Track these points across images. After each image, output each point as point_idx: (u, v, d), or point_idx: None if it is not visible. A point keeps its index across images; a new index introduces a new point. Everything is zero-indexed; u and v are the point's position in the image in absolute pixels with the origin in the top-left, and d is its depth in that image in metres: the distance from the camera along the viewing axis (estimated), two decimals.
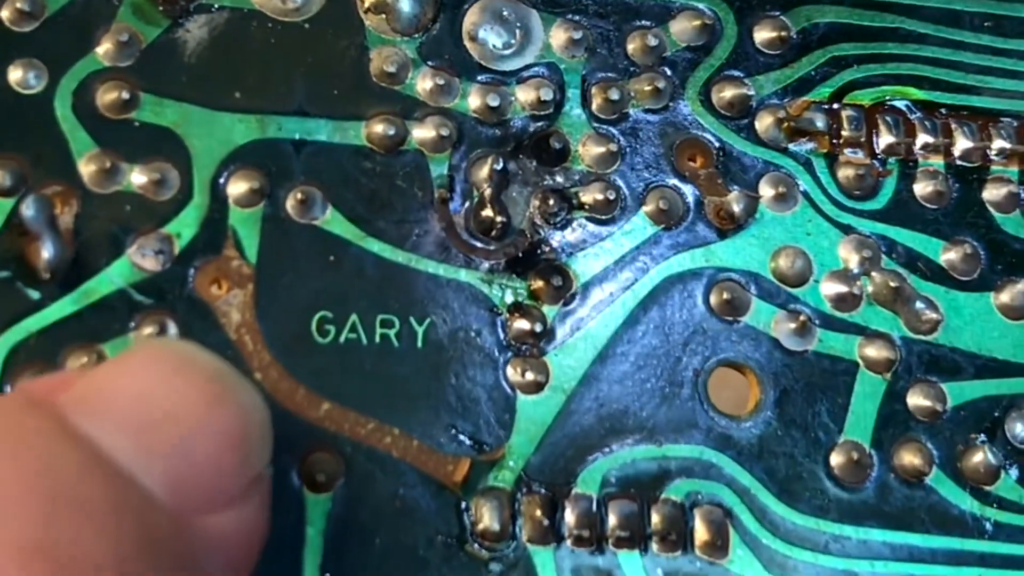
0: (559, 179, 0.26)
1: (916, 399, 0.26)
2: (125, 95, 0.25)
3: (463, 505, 0.24)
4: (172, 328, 0.24)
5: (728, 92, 0.27)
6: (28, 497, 0.16)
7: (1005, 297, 0.27)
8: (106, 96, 0.25)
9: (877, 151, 0.27)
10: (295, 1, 0.26)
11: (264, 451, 0.20)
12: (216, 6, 0.26)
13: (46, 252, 0.23)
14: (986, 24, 0.28)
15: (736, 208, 0.26)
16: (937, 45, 0.28)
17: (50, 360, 0.23)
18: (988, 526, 0.26)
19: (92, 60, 0.25)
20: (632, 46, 0.27)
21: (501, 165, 0.26)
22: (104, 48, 0.25)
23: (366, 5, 0.26)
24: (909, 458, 0.26)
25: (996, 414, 0.26)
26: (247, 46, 0.26)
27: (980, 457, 0.26)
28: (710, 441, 0.25)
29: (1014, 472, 0.26)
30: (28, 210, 0.23)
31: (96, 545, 0.16)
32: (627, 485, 0.25)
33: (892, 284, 0.26)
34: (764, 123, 0.27)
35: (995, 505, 0.26)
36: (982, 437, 0.26)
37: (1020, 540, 0.26)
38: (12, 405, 0.18)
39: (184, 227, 0.24)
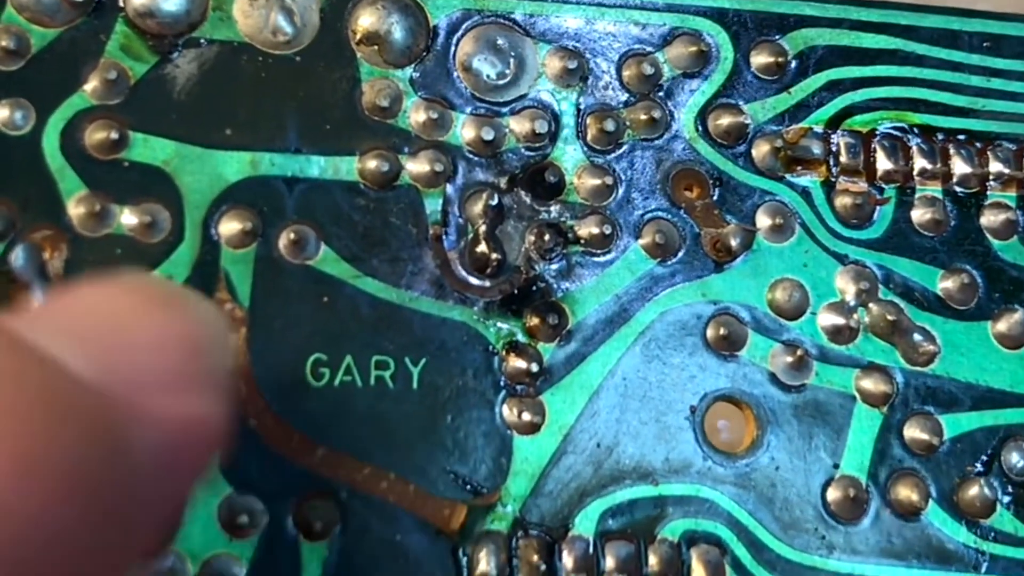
0: (554, 213, 0.25)
1: (913, 432, 0.25)
2: (114, 135, 0.23)
3: (460, 551, 0.23)
4: None
5: (724, 120, 0.26)
6: None
7: (1002, 326, 0.26)
8: (95, 136, 0.23)
9: (875, 178, 0.26)
10: (286, 34, 0.24)
11: (217, 355, 0.19)
12: (205, 41, 0.24)
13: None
14: (985, 44, 0.27)
15: (733, 242, 0.25)
16: (935, 67, 0.27)
17: None
18: (984, 559, 0.25)
19: (80, 98, 0.23)
20: (627, 73, 0.26)
21: (496, 201, 0.24)
22: (92, 86, 0.23)
23: (358, 36, 0.25)
24: (905, 492, 0.25)
25: (993, 445, 0.25)
26: (238, 81, 0.24)
27: (976, 490, 0.25)
28: (706, 479, 0.24)
29: (1010, 504, 0.25)
30: (17, 259, 0.22)
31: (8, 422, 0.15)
32: (624, 526, 0.24)
33: (889, 317, 0.25)
34: (761, 151, 0.26)
35: (991, 538, 0.25)
36: (979, 469, 0.25)
37: (1016, 573, 0.25)
38: None
39: (176, 270, 0.23)
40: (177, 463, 0.18)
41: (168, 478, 0.18)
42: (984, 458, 0.25)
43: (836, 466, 0.25)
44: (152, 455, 0.17)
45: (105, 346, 0.17)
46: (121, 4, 0.24)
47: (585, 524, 0.24)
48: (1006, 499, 0.25)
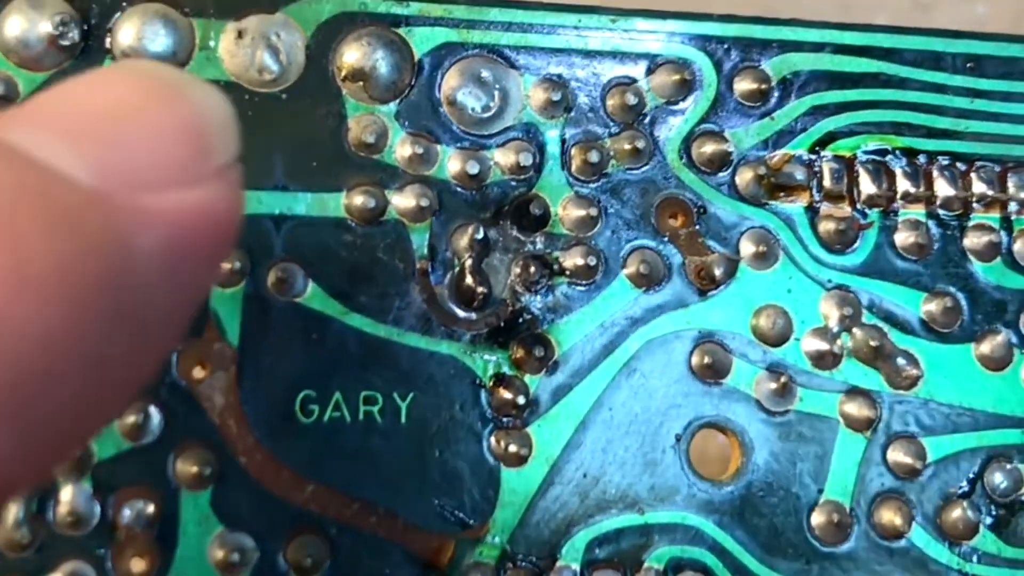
0: (540, 244, 0.25)
1: (896, 455, 0.25)
2: None
3: None
4: (155, 414, 0.23)
5: (708, 148, 0.26)
6: None
7: (985, 348, 0.26)
8: None
9: (858, 203, 0.26)
10: (272, 72, 0.24)
11: (223, 143, 0.18)
12: None
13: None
14: (968, 65, 0.27)
15: (717, 271, 0.25)
16: (918, 89, 0.27)
17: None
18: None
19: None
20: (611, 103, 0.26)
21: (482, 234, 0.24)
22: None
23: (343, 73, 0.25)
24: (889, 516, 0.25)
25: (976, 467, 0.25)
26: None
27: (959, 512, 0.25)
28: (692, 506, 0.24)
29: (993, 525, 0.25)
30: None
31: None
32: (610, 555, 0.24)
33: (872, 343, 0.25)
34: (744, 178, 0.26)
35: (974, 559, 0.25)
36: (962, 490, 0.25)
37: None
38: None
39: None
40: (188, 259, 0.17)
41: (180, 275, 0.17)
42: (967, 480, 0.25)
43: (820, 491, 0.25)
44: (160, 255, 0.16)
45: (102, 144, 0.16)
46: (108, 46, 0.24)
47: (572, 554, 0.24)
48: (989, 520, 0.25)
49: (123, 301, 0.16)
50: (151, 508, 0.23)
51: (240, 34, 0.25)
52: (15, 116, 0.16)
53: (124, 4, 0.24)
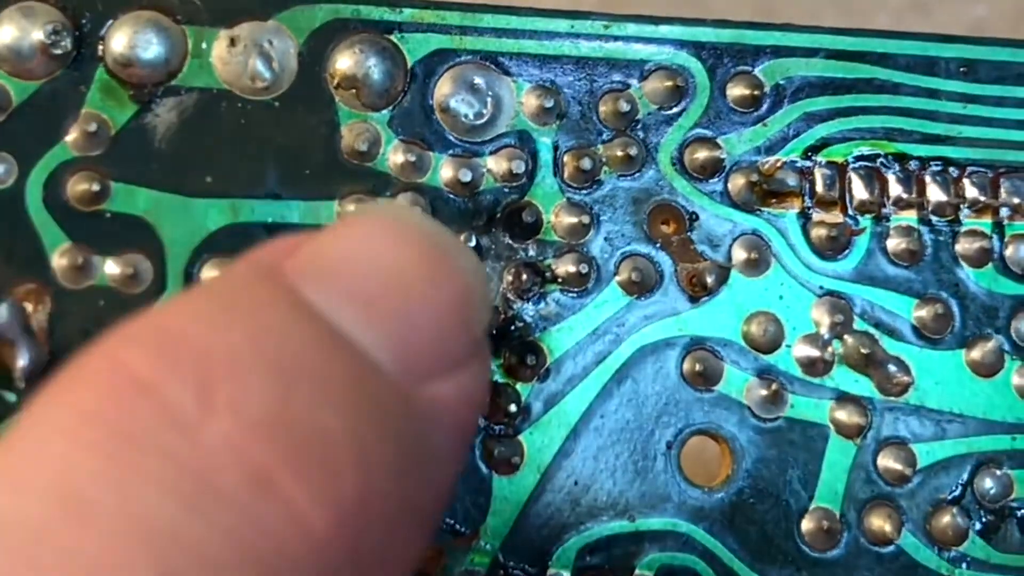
0: (532, 252, 0.25)
1: (886, 462, 0.25)
2: (96, 187, 0.23)
3: None
4: None
5: (701, 154, 0.25)
6: (264, 371, 0.15)
7: (976, 354, 0.26)
8: (77, 187, 0.23)
9: (850, 209, 0.26)
10: (264, 79, 0.24)
11: (484, 315, 0.19)
12: (185, 88, 0.24)
13: (22, 360, 0.22)
14: (961, 69, 0.27)
15: (709, 279, 0.25)
16: (911, 94, 0.27)
17: None
18: None
19: (62, 150, 0.24)
20: (604, 110, 0.25)
21: (474, 242, 0.24)
22: (73, 137, 0.24)
23: (336, 80, 0.24)
24: (879, 523, 0.25)
25: (966, 473, 0.25)
26: (217, 128, 0.24)
27: (949, 519, 0.25)
28: (683, 513, 0.24)
29: (982, 530, 0.25)
30: (1, 316, 0.22)
31: (332, 420, 0.15)
32: (601, 562, 0.24)
33: (863, 350, 0.25)
34: (737, 185, 0.26)
35: (964, 565, 0.25)
36: (952, 496, 0.25)
37: None
38: (243, 276, 0.17)
39: None
40: (456, 441, 0.18)
41: (450, 458, 0.18)
42: (958, 486, 0.25)
43: (810, 498, 0.25)
44: (439, 440, 0.17)
45: (397, 322, 0.17)
46: (100, 54, 0.24)
47: (563, 561, 0.24)
48: (978, 525, 0.25)
49: (419, 486, 0.16)
50: None
51: (232, 41, 0.24)
52: (301, 264, 0.17)
53: (117, 13, 0.24)
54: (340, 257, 0.17)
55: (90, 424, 0.14)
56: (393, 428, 0.16)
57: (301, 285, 0.17)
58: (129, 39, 0.24)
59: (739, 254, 0.26)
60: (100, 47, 0.24)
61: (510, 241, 0.25)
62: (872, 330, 0.26)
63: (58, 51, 0.24)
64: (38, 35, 0.24)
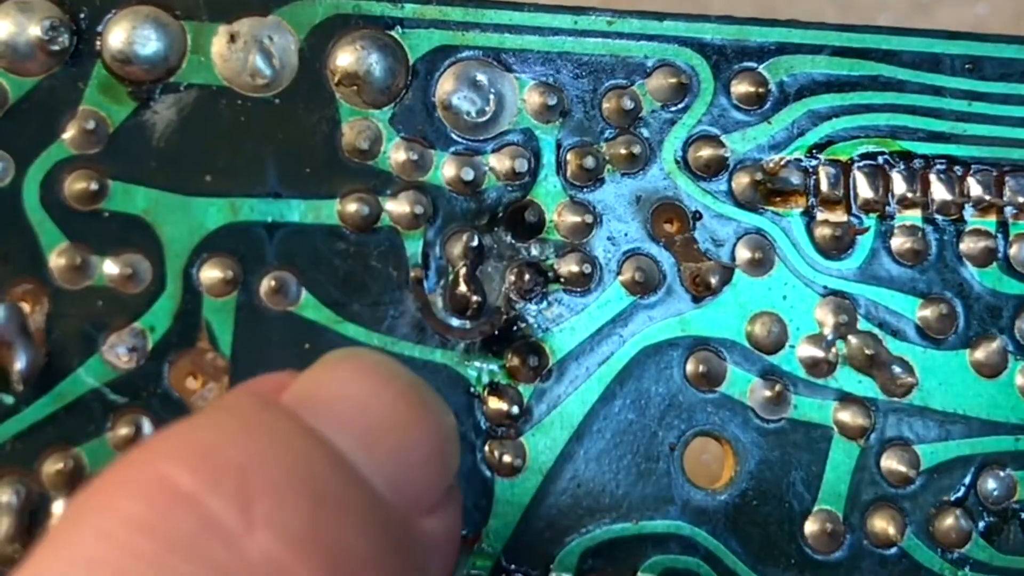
0: (534, 251, 0.24)
1: (890, 463, 0.25)
2: (94, 186, 0.23)
3: None
4: (147, 426, 0.22)
5: (705, 152, 0.25)
6: (297, 489, 0.16)
7: (980, 355, 0.25)
8: (74, 186, 0.23)
9: (854, 208, 0.25)
10: (264, 76, 0.24)
11: (456, 459, 0.20)
12: (184, 85, 0.23)
13: (19, 362, 0.22)
14: (967, 66, 0.26)
15: (712, 279, 0.24)
16: (916, 92, 0.26)
17: (27, 466, 0.22)
18: None
19: (59, 148, 0.23)
20: (607, 107, 0.25)
21: (476, 242, 0.24)
22: (70, 135, 0.23)
23: (337, 77, 0.24)
24: (882, 525, 0.24)
25: (969, 474, 0.25)
26: (216, 126, 0.24)
27: (952, 520, 0.25)
28: (686, 515, 0.24)
29: (985, 532, 0.25)
30: None
31: (358, 541, 0.16)
32: (604, 564, 0.24)
33: (867, 351, 0.25)
34: (741, 183, 0.25)
35: (967, 567, 0.25)
36: (955, 497, 0.25)
37: None
38: (247, 401, 0.18)
39: (158, 320, 0.23)
40: (445, 571, 0.19)
41: None
42: (961, 487, 0.25)
43: (814, 499, 0.24)
44: (433, 570, 0.18)
45: (393, 463, 0.18)
46: (98, 50, 0.23)
47: (565, 564, 0.23)
48: (981, 527, 0.25)
49: None
50: None
51: (232, 37, 0.24)
52: (296, 397, 0.18)
53: (115, 8, 0.23)
54: (332, 394, 0.18)
55: (139, 533, 0.15)
56: (404, 554, 0.17)
57: (303, 414, 0.17)
58: (127, 35, 0.23)
59: (743, 253, 0.25)
60: (98, 43, 0.23)
61: (512, 241, 0.24)
62: (876, 330, 0.25)
63: (55, 47, 0.23)
64: (35, 31, 0.23)
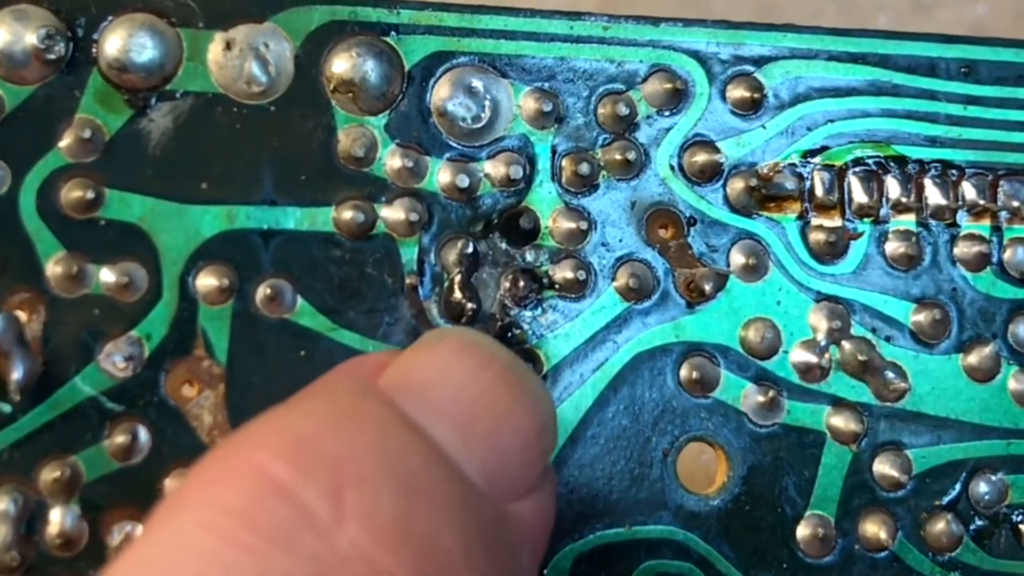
0: (529, 258, 0.24)
1: (882, 468, 0.24)
2: (90, 194, 0.23)
3: None
4: (144, 434, 0.22)
5: (700, 157, 0.25)
6: (388, 481, 0.16)
7: (973, 359, 0.25)
8: (71, 195, 0.23)
9: (849, 213, 0.25)
10: (260, 83, 0.23)
11: (554, 440, 0.19)
12: (180, 93, 0.23)
13: (16, 373, 0.22)
14: (962, 70, 0.26)
15: (706, 286, 0.24)
16: (912, 96, 0.26)
17: (24, 474, 0.22)
18: None
19: (55, 157, 0.23)
20: (603, 112, 0.25)
21: (471, 249, 0.24)
22: (67, 143, 0.23)
23: (333, 84, 0.24)
24: (873, 529, 0.24)
25: (961, 478, 0.25)
26: (212, 133, 0.23)
27: (943, 525, 0.24)
28: (679, 520, 0.24)
29: (976, 536, 0.24)
30: None
31: (447, 535, 0.16)
32: (597, 570, 0.24)
33: (860, 357, 0.24)
34: (735, 189, 0.25)
35: (958, 571, 0.24)
36: (947, 502, 0.24)
37: None
38: (347, 388, 0.18)
39: (154, 328, 0.23)
40: (536, 556, 0.19)
41: (531, 571, 0.19)
42: (952, 491, 0.25)
43: (806, 504, 0.24)
44: (523, 556, 0.18)
45: (487, 447, 0.18)
46: (94, 58, 0.23)
47: (559, 569, 0.23)
48: (972, 531, 0.25)
49: None
50: (141, 528, 0.22)
51: (228, 45, 0.24)
52: (394, 382, 0.18)
53: (110, 15, 0.23)
54: (429, 378, 0.18)
55: (239, 523, 0.15)
56: (495, 545, 0.17)
57: (399, 402, 0.17)
58: (123, 43, 0.23)
59: (737, 259, 0.25)
60: (94, 50, 0.23)
61: (507, 247, 0.24)
62: (869, 335, 0.25)
63: (52, 56, 0.23)
64: (31, 39, 0.23)
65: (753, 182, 0.25)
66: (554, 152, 0.25)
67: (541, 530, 0.19)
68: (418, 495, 0.16)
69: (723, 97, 0.25)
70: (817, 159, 0.25)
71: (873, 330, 0.25)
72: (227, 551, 0.15)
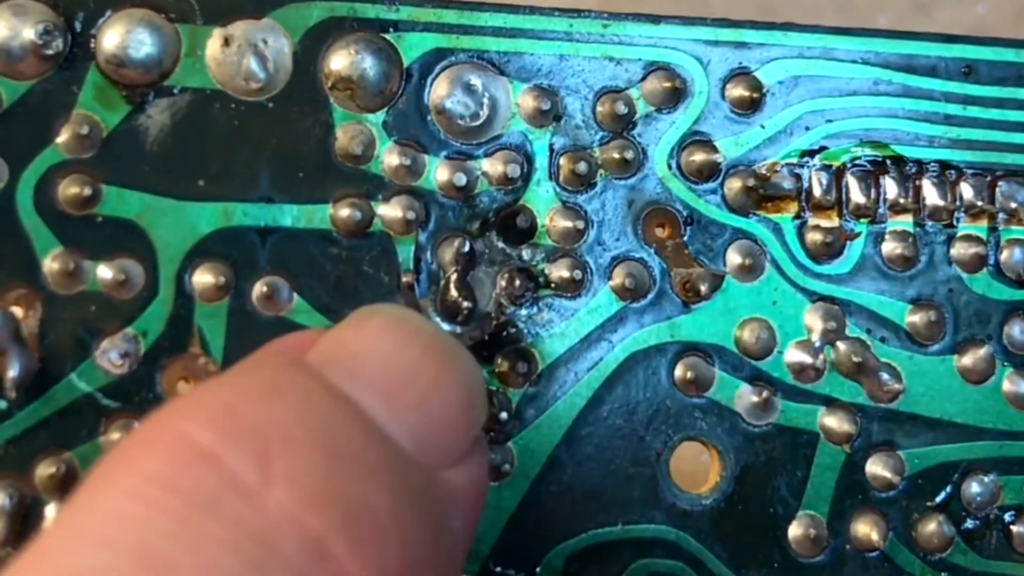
0: (526, 256, 0.24)
1: (875, 468, 0.24)
2: (87, 191, 0.22)
3: None
4: None
5: (697, 156, 0.24)
6: (315, 447, 0.16)
7: (967, 361, 0.25)
8: (68, 191, 0.22)
9: (846, 213, 0.25)
10: (258, 80, 0.23)
11: (483, 411, 0.19)
12: (178, 89, 0.23)
13: (12, 369, 0.21)
14: (963, 70, 0.26)
15: (702, 286, 0.24)
16: (911, 96, 0.25)
17: (20, 470, 0.22)
18: None
19: (53, 153, 0.23)
20: (601, 110, 0.24)
21: (468, 247, 0.23)
22: (64, 139, 0.23)
23: (331, 81, 0.23)
24: (864, 530, 0.24)
25: (954, 479, 0.25)
26: (210, 130, 0.23)
27: (934, 526, 0.24)
28: (671, 519, 0.24)
29: (966, 537, 0.24)
30: None
31: (375, 496, 0.16)
32: (590, 568, 0.23)
33: (855, 358, 0.24)
34: (733, 188, 0.25)
35: (947, 571, 0.24)
36: (939, 502, 0.24)
37: None
38: (274, 362, 0.18)
39: (150, 325, 0.23)
40: (469, 523, 0.19)
41: (464, 537, 0.19)
42: (944, 492, 0.25)
43: (798, 504, 0.24)
44: (456, 522, 0.18)
45: (415, 414, 0.18)
46: (92, 53, 0.23)
47: (551, 567, 0.23)
48: (963, 531, 0.25)
49: (439, 562, 0.17)
50: None
51: (227, 41, 0.23)
52: (322, 355, 0.18)
53: (109, 10, 0.23)
54: (358, 351, 0.18)
55: (163, 490, 0.15)
56: (424, 508, 0.17)
57: (326, 373, 0.17)
58: (121, 38, 0.23)
59: (733, 259, 0.25)
60: (92, 46, 0.23)
61: (504, 246, 0.24)
62: (864, 336, 0.25)
63: (50, 51, 0.23)
64: (29, 34, 0.23)
65: (751, 182, 0.25)
66: (552, 150, 0.24)
67: (474, 497, 0.19)
68: (345, 459, 0.16)
69: (722, 96, 0.25)
70: (815, 159, 0.25)
71: (868, 331, 0.25)
72: (152, 517, 0.15)
